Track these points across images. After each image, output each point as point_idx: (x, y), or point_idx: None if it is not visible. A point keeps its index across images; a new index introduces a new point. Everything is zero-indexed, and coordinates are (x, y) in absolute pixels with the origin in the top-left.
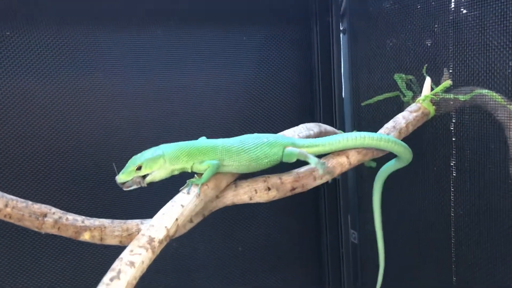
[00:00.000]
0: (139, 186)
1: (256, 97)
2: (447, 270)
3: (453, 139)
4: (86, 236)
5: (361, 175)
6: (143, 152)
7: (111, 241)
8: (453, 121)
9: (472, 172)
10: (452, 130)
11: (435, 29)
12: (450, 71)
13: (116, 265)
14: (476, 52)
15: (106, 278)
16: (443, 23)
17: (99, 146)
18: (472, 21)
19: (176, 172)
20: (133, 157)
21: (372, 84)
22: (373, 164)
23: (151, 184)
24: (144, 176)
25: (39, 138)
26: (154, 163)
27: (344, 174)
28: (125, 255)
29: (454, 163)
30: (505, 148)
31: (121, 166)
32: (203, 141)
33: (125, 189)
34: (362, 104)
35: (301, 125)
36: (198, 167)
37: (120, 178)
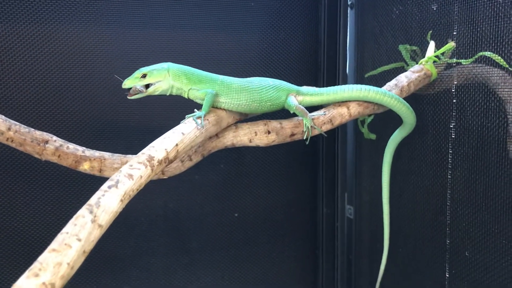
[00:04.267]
0: (141, 94)
1: (259, 65)
2: (441, 232)
3: (454, 100)
4: (85, 166)
5: (360, 150)
6: (149, 66)
7: (110, 173)
8: (455, 83)
9: (471, 133)
10: (453, 92)
11: None
12: (454, 33)
13: (115, 176)
14: (481, 16)
15: (104, 186)
16: None
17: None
18: None
19: (174, 91)
20: (140, 68)
21: (376, 59)
22: (373, 136)
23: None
24: (147, 86)
25: (45, 72)
26: (158, 74)
27: (343, 149)
28: (124, 168)
29: (453, 125)
30: (505, 121)
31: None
32: (206, 72)
33: (129, 97)
34: (366, 75)
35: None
36: (194, 94)
37: (125, 83)
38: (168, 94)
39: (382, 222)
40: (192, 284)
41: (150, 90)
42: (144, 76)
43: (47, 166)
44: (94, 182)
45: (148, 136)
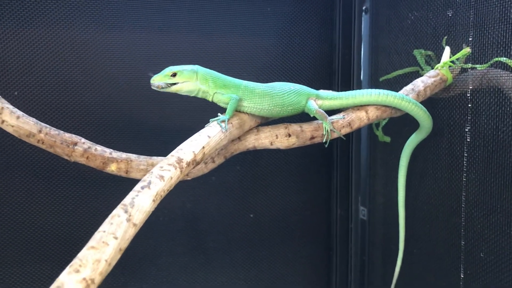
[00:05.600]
0: (167, 89)
1: (275, 69)
2: (456, 234)
3: (469, 105)
4: (112, 168)
5: (374, 153)
6: (178, 65)
7: (136, 174)
8: (470, 87)
9: (486, 137)
10: (468, 96)
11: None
12: (470, 39)
13: (147, 177)
14: (497, 22)
15: (137, 187)
16: None
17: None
18: None
19: (199, 94)
20: (170, 67)
21: (391, 63)
22: (387, 139)
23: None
24: (173, 84)
25: (74, 79)
26: (188, 74)
27: (357, 151)
28: (155, 169)
29: (468, 129)
30: None
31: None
32: (231, 77)
33: (152, 87)
34: (380, 79)
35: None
36: (219, 98)
37: (154, 78)
38: (192, 96)
39: (395, 223)
40: (208, 283)
41: (177, 87)
42: (174, 75)
43: (66, 167)
44: (111, 183)
45: (168, 138)
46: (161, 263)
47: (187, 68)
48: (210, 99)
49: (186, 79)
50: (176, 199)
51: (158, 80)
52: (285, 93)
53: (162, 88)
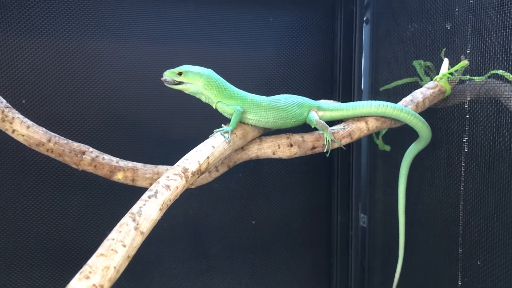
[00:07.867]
0: (171, 86)
1: (277, 78)
2: (454, 242)
3: (467, 116)
4: (119, 176)
5: (374, 161)
6: (195, 66)
7: (142, 183)
8: (468, 99)
9: (483, 147)
10: (466, 107)
11: (455, 13)
12: (468, 51)
13: (154, 186)
14: (494, 36)
15: (144, 196)
16: (464, 7)
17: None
18: (492, 4)
19: (203, 98)
20: (185, 65)
21: (391, 73)
22: (387, 148)
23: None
24: (179, 82)
25: (84, 88)
26: (192, 76)
27: (357, 159)
28: (162, 179)
29: (466, 139)
30: None
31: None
32: (238, 89)
33: (162, 79)
34: (380, 89)
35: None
36: (223, 108)
37: (165, 73)
38: (197, 98)
39: (395, 231)
40: None
41: (180, 87)
42: (180, 73)
43: (74, 176)
44: (118, 191)
45: (173, 147)
46: (164, 269)
47: (193, 70)
48: (213, 106)
49: (190, 81)
50: (179, 206)
51: (167, 76)
52: (289, 106)
53: (169, 83)
